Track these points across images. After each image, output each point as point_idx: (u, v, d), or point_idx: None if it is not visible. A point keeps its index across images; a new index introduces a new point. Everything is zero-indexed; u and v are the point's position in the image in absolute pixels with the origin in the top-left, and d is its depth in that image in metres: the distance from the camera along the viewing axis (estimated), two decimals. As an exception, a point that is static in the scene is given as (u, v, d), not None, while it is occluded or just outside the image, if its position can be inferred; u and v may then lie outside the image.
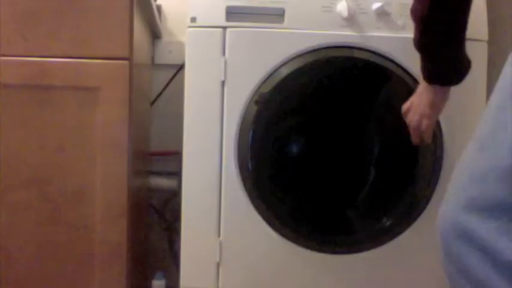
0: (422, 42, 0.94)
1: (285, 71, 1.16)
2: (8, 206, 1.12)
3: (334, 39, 1.18)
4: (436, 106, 1.03)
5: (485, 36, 1.20)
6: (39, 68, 1.11)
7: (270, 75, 1.16)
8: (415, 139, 1.08)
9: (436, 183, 1.18)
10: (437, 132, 1.17)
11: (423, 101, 1.03)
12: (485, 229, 0.64)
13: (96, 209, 1.13)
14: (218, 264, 1.19)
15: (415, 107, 1.05)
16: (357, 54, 1.18)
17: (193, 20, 1.19)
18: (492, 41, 1.22)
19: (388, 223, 1.18)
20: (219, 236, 1.19)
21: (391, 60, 1.17)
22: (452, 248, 0.67)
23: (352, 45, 1.18)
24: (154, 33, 1.62)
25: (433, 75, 0.99)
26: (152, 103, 1.64)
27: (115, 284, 1.14)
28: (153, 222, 1.65)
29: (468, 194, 0.68)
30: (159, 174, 1.63)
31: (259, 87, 1.16)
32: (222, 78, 1.18)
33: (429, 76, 0.99)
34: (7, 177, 1.12)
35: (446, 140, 1.19)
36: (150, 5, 1.36)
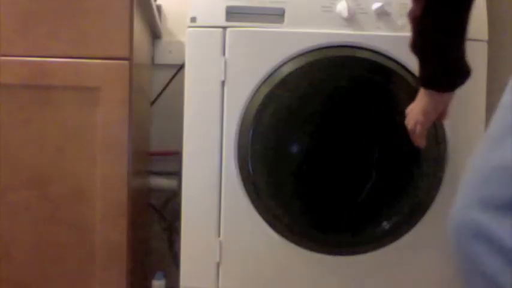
0: (418, 43, 0.94)
1: (285, 71, 1.15)
2: (8, 206, 1.12)
3: (335, 38, 1.17)
4: (427, 113, 1.02)
5: (485, 36, 1.20)
6: (39, 68, 1.11)
7: (270, 75, 1.16)
8: (414, 142, 1.09)
9: (438, 185, 1.18)
10: (440, 134, 1.16)
11: (417, 106, 1.03)
12: (500, 227, 0.64)
13: (96, 209, 1.13)
14: (218, 264, 1.19)
15: (412, 111, 1.06)
16: (358, 53, 1.17)
17: (193, 20, 1.18)
18: (492, 41, 1.22)
19: (389, 225, 1.18)
20: (219, 236, 1.19)
21: (393, 60, 1.17)
22: (466, 246, 0.67)
23: (353, 44, 1.18)
24: (154, 33, 1.62)
25: (427, 79, 0.98)
26: (152, 103, 1.64)
27: (115, 284, 1.13)
28: (153, 222, 1.65)
29: (481, 192, 0.68)
30: (159, 174, 1.63)
31: (259, 87, 1.16)
32: (222, 78, 1.18)
33: (423, 80, 0.99)
34: (7, 177, 1.12)
35: (447, 139, 1.18)
36: (150, 5, 1.36)
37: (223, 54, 1.18)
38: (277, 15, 1.19)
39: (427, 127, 1.05)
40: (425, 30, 0.92)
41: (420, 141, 1.07)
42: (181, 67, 1.59)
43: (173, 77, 1.64)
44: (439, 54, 0.94)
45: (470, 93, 1.18)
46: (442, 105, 1.03)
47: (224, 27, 1.18)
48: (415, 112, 1.04)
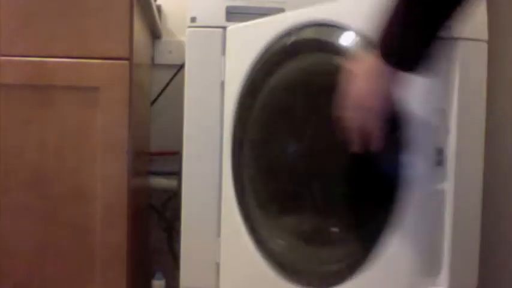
0: None
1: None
2: (8, 206, 1.12)
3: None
4: (381, 97, 0.71)
5: (485, 36, 1.20)
6: (39, 68, 1.11)
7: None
8: (356, 145, 0.77)
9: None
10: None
11: (369, 90, 0.70)
12: None
13: (96, 209, 1.13)
14: (218, 264, 1.19)
15: (360, 96, 0.72)
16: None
17: (193, 20, 1.19)
18: (492, 41, 1.22)
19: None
20: (219, 236, 1.19)
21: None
22: None
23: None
24: (154, 33, 1.62)
25: (402, 47, 0.69)
26: (152, 103, 1.64)
27: (115, 284, 1.13)
28: (153, 222, 1.65)
29: None
30: (159, 174, 1.63)
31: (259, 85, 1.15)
32: (222, 78, 1.18)
33: (397, 48, 0.69)
34: (7, 177, 1.12)
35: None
36: (150, 5, 1.37)
37: (223, 54, 1.18)
38: (277, 15, 1.19)
39: (382, 119, 0.74)
40: None
41: (376, 143, 0.74)
42: (181, 67, 1.59)
43: (173, 77, 1.64)
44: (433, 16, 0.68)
45: (470, 94, 1.18)
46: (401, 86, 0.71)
47: (224, 27, 1.18)
48: (371, 98, 0.72)
